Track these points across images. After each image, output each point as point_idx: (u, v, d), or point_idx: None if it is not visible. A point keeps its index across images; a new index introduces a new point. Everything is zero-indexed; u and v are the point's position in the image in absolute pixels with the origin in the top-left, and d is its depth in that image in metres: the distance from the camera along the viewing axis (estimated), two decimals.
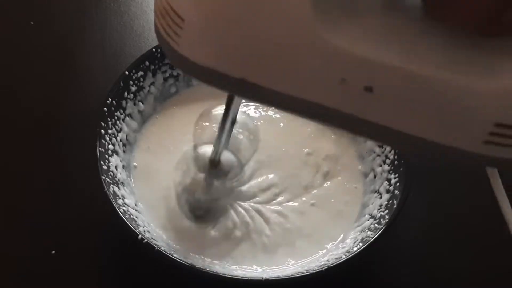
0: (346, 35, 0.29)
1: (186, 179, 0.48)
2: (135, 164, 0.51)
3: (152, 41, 0.64)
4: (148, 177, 0.51)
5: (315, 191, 0.51)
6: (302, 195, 0.50)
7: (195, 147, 0.48)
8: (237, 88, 0.31)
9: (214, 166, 0.46)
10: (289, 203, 0.50)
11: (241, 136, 0.48)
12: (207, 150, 0.46)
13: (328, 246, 0.47)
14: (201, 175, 0.47)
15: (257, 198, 0.50)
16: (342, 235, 0.48)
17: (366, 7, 0.30)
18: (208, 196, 0.48)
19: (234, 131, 0.44)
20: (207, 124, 0.49)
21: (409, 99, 0.30)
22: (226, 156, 0.46)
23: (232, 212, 0.48)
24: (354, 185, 0.51)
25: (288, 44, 0.29)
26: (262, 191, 0.50)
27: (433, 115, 0.30)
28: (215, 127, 0.46)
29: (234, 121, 0.42)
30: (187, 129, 0.54)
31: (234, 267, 0.46)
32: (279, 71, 0.30)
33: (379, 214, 0.46)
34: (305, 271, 0.43)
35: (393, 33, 0.29)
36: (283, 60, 0.30)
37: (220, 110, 0.44)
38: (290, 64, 0.30)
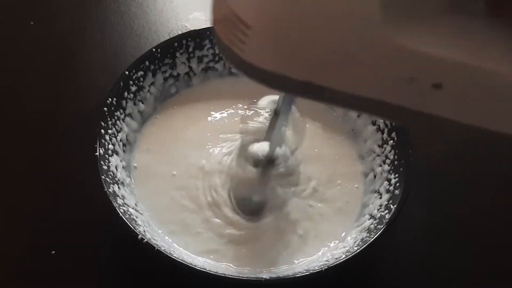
0: (415, 36, 0.29)
1: (240, 175, 0.48)
2: (135, 164, 0.51)
3: (152, 41, 0.64)
4: (148, 177, 0.51)
5: (315, 191, 0.51)
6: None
7: (244, 141, 0.48)
8: (302, 91, 0.32)
9: (271, 163, 0.46)
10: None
11: (288, 131, 0.48)
12: (260, 147, 0.46)
13: (330, 245, 0.47)
14: (253, 172, 0.47)
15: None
16: (342, 235, 0.48)
17: (432, 8, 0.31)
18: (262, 195, 0.48)
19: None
20: (253, 117, 0.49)
21: (478, 93, 0.30)
22: (281, 152, 0.46)
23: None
24: (355, 185, 0.51)
25: (357, 47, 0.30)
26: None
27: (501, 107, 0.31)
28: (262, 119, 0.47)
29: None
30: (187, 130, 0.54)
31: (235, 267, 0.46)
32: (347, 73, 0.31)
33: (379, 214, 0.46)
34: (305, 271, 0.43)
35: (459, 32, 0.30)
36: (352, 62, 0.30)
37: (265, 101, 0.45)
38: (358, 67, 0.30)
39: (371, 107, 0.32)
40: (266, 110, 0.48)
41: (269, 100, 0.47)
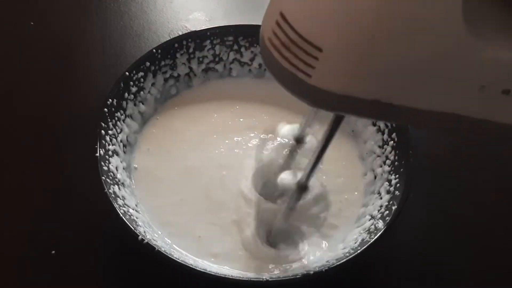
0: (492, 44, 0.29)
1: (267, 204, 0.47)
2: (136, 165, 0.51)
3: (152, 41, 0.64)
4: (148, 178, 0.51)
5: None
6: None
7: (259, 169, 0.48)
8: (369, 110, 0.31)
9: (301, 190, 0.42)
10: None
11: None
12: (286, 177, 0.46)
13: (331, 246, 0.47)
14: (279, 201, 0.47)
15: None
16: (343, 235, 0.48)
17: (507, 17, 0.31)
18: (286, 224, 0.46)
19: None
20: (271, 142, 0.49)
21: None
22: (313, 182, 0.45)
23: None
24: (356, 186, 0.51)
25: (432, 61, 0.29)
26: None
27: None
28: (279, 145, 0.47)
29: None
30: (188, 131, 0.54)
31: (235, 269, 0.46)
32: (419, 88, 0.30)
33: (379, 215, 0.46)
34: (305, 272, 0.43)
35: None
36: (425, 76, 0.30)
37: (285, 130, 0.45)
38: (431, 80, 0.30)
39: (437, 122, 0.32)
40: (285, 139, 0.48)
41: (288, 129, 0.47)
